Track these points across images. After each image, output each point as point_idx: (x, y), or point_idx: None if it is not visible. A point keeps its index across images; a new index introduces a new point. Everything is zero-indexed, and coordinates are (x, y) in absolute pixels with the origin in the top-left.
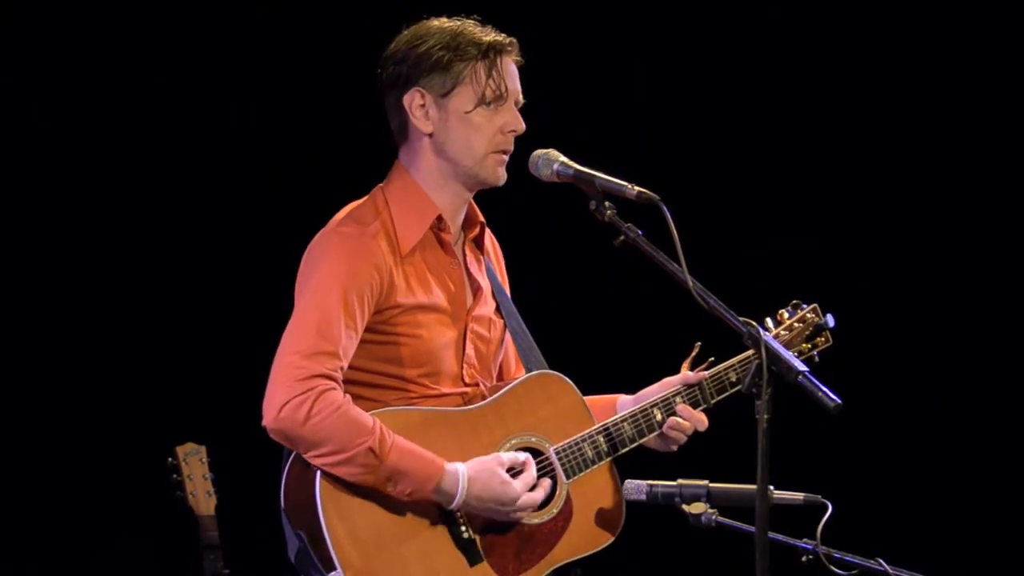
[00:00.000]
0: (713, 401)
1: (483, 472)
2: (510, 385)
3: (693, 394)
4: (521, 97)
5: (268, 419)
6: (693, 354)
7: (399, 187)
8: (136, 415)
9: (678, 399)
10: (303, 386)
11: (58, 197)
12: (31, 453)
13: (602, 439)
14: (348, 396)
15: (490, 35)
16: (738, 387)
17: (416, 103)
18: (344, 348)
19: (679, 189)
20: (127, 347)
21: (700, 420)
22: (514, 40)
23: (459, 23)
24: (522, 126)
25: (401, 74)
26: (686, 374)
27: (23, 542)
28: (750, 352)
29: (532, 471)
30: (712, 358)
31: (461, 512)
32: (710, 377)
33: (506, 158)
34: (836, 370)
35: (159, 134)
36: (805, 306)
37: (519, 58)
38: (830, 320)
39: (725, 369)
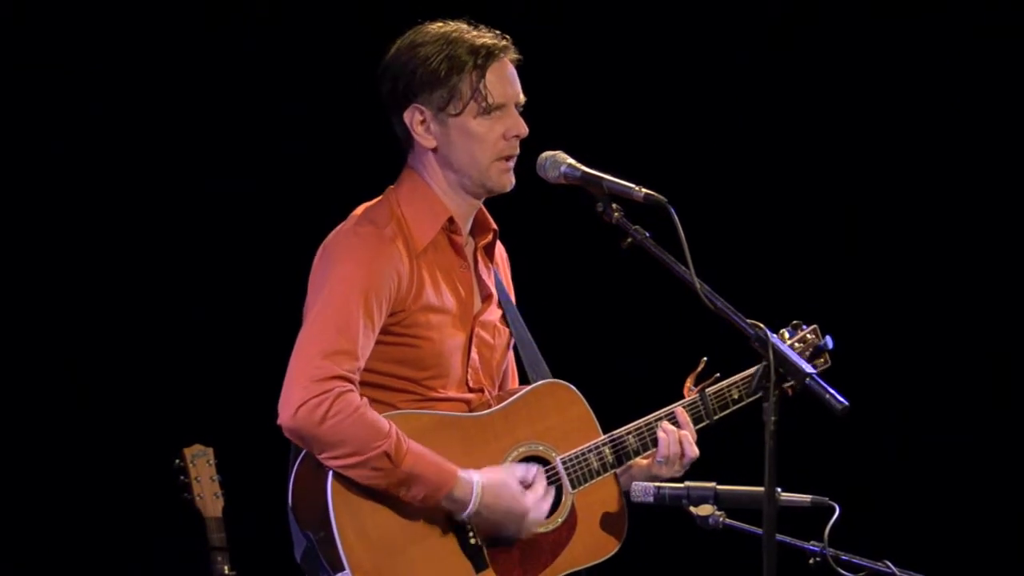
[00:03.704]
0: (716, 417)
1: (496, 482)
2: (520, 393)
3: (696, 409)
4: (521, 98)
5: (284, 418)
6: (699, 369)
7: (410, 189)
8: (144, 417)
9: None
10: (321, 387)
11: (65, 198)
12: (38, 454)
13: (608, 451)
14: (365, 399)
15: (483, 38)
16: (741, 404)
17: (416, 119)
18: (362, 349)
19: (687, 191)
20: (135, 349)
21: (685, 436)
22: (508, 39)
23: (452, 28)
24: (524, 129)
25: (398, 91)
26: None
27: (30, 543)
28: (754, 370)
29: (542, 483)
30: (718, 373)
31: (470, 521)
32: (713, 393)
33: (512, 164)
34: (843, 372)
35: (166, 134)
36: (806, 327)
37: (516, 56)
38: (829, 342)
39: (728, 386)
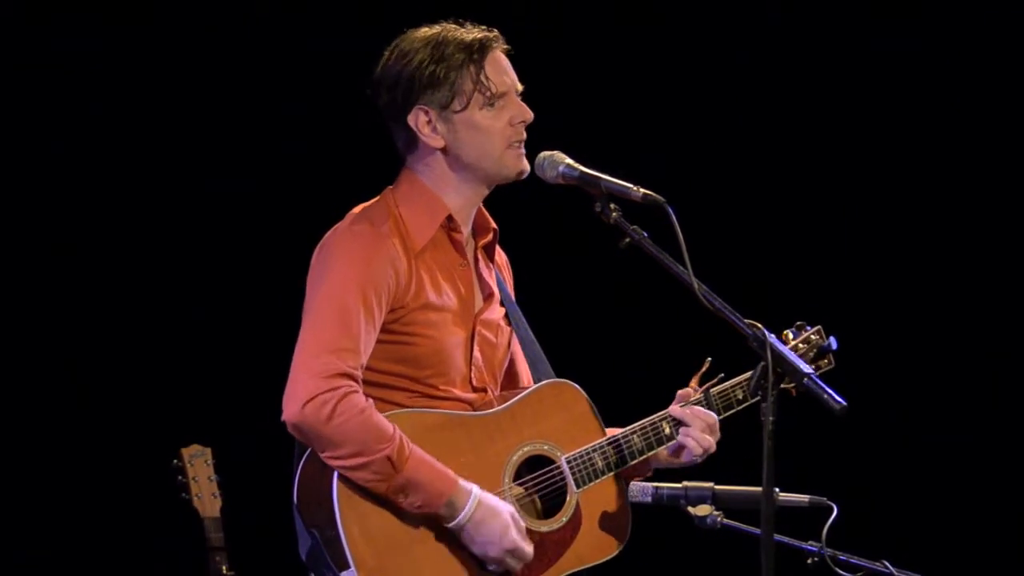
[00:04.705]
0: (720, 418)
1: (494, 505)
2: (525, 392)
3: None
4: (519, 85)
5: (290, 413)
6: (703, 369)
7: (408, 189)
8: (142, 417)
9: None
10: (328, 384)
11: (65, 197)
12: (38, 454)
13: (612, 450)
14: (371, 401)
15: (472, 34)
16: (745, 404)
17: (422, 121)
18: (364, 345)
19: (685, 191)
20: (134, 348)
21: (707, 415)
22: (496, 31)
23: (439, 30)
24: (529, 115)
25: (398, 98)
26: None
27: (29, 543)
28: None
29: (530, 544)
30: (722, 374)
31: (458, 529)
32: (718, 394)
33: (523, 148)
34: (842, 372)
35: (166, 134)
36: (809, 328)
37: (506, 47)
38: (833, 343)
39: (733, 386)
